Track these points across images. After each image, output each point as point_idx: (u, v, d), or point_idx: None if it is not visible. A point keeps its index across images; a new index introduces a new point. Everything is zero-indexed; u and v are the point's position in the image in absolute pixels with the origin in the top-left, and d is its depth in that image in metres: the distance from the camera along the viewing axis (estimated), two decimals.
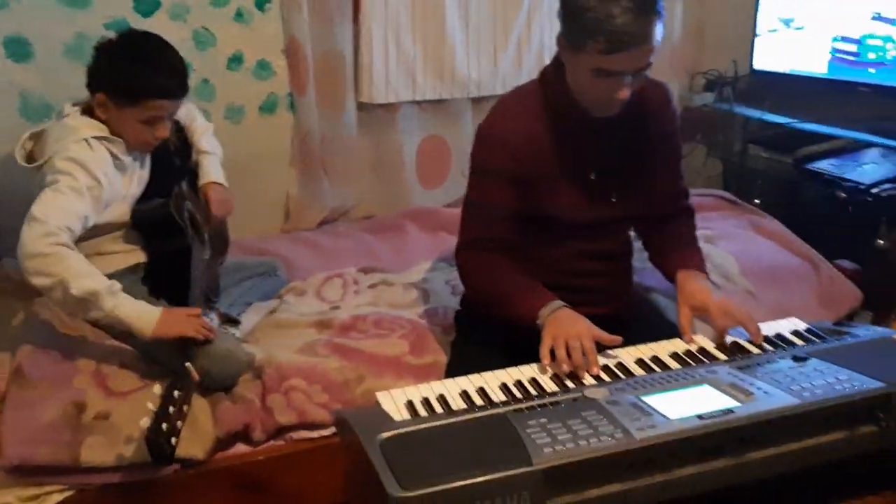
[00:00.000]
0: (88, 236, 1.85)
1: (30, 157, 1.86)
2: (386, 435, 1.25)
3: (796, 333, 1.62)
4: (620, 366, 1.52)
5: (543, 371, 1.51)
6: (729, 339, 1.60)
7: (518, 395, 1.43)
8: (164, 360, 1.84)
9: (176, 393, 1.55)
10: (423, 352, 1.95)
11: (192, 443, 1.68)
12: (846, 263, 2.32)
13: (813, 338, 1.58)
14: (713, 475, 1.21)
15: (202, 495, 1.68)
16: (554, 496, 1.14)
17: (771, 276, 2.25)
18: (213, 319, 2.04)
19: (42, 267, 1.64)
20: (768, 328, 1.65)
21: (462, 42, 2.77)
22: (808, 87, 2.84)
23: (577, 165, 1.72)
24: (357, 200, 2.86)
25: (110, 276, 1.88)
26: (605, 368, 1.51)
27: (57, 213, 1.68)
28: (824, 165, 2.68)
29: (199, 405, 1.76)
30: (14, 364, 1.76)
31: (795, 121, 2.74)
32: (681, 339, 1.64)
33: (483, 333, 1.81)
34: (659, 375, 1.43)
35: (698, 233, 2.41)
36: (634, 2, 1.47)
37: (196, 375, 1.62)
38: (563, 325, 1.57)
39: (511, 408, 1.33)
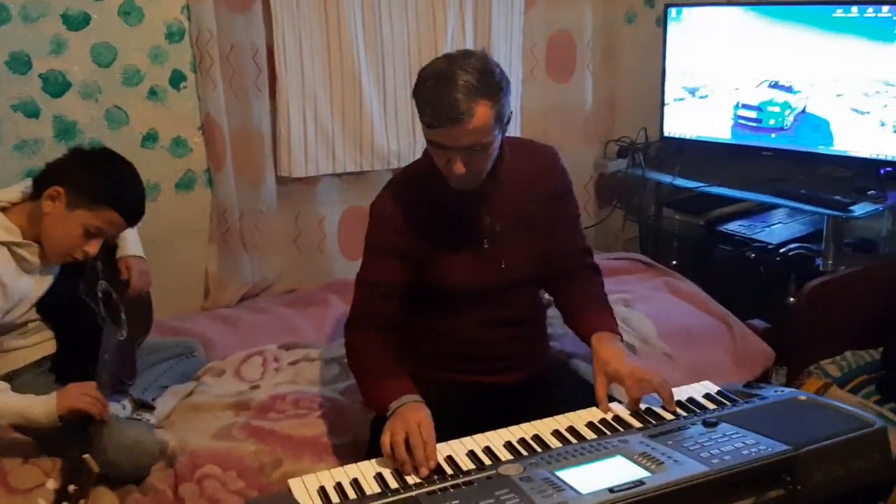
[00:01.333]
0: None
1: None
2: None
3: (708, 397, 1.64)
4: (537, 438, 1.51)
5: (460, 448, 1.49)
6: (643, 405, 1.62)
7: (433, 476, 1.40)
8: (66, 452, 1.75)
9: (71, 488, 1.48)
10: (342, 431, 1.91)
11: None
12: (757, 322, 2.38)
13: (725, 400, 1.61)
14: None
15: None
16: None
17: (687, 337, 2.29)
18: (125, 406, 1.98)
19: None
20: (683, 392, 1.67)
21: (380, 113, 2.80)
22: (715, 152, 2.96)
23: (466, 236, 1.75)
24: (278, 274, 2.82)
25: (15, 372, 1.83)
26: (522, 441, 1.50)
27: None
28: (734, 227, 2.78)
29: (108, 499, 1.69)
30: None
31: (704, 184, 2.84)
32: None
33: None
34: (574, 447, 1.43)
35: (616, 296, 2.49)
36: (465, 84, 1.52)
37: (95, 467, 1.55)
38: (404, 416, 1.54)
39: (424, 490, 1.31)
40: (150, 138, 2.57)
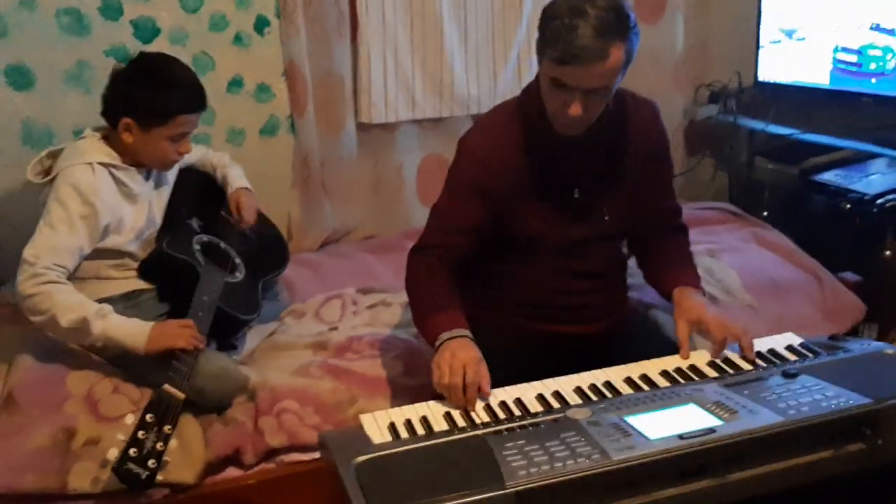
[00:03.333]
0: (88, 259, 1.89)
1: (46, 174, 1.91)
2: (361, 459, 1.24)
3: (790, 348, 1.58)
4: (608, 384, 1.50)
5: (529, 391, 1.49)
6: (722, 354, 1.58)
7: (501, 415, 1.41)
8: (150, 382, 1.84)
9: (149, 417, 1.56)
10: (415, 373, 1.93)
11: (182, 468, 1.68)
12: (850, 276, 2.27)
13: (807, 353, 1.55)
14: (695, 496, 1.19)
15: None
16: None
17: (773, 289, 2.21)
18: (210, 343, 2.06)
19: (32, 306, 1.72)
20: (763, 343, 1.62)
21: (461, 59, 2.77)
22: (812, 98, 2.80)
23: (557, 183, 1.71)
24: (358, 221, 2.86)
25: (105, 301, 1.91)
26: (592, 387, 1.49)
27: (46, 253, 1.74)
28: (829, 177, 2.64)
29: (192, 429, 1.77)
30: (5, 390, 1.77)
31: (799, 132, 2.70)
32: (678, 354, 1.61)
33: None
34: (645, 394, 1.42)
35: (701, 247, 2.43)
36: (601, 21, 1.46)
37: (180, 395, 1.63)
38: (453, 354, 1.52)
39: (491, 430, 1.32)
40: (234, 84, 2.62)
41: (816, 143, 2.71)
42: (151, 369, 1.77)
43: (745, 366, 1.53)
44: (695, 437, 1.21)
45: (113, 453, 1.50)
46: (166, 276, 1.99)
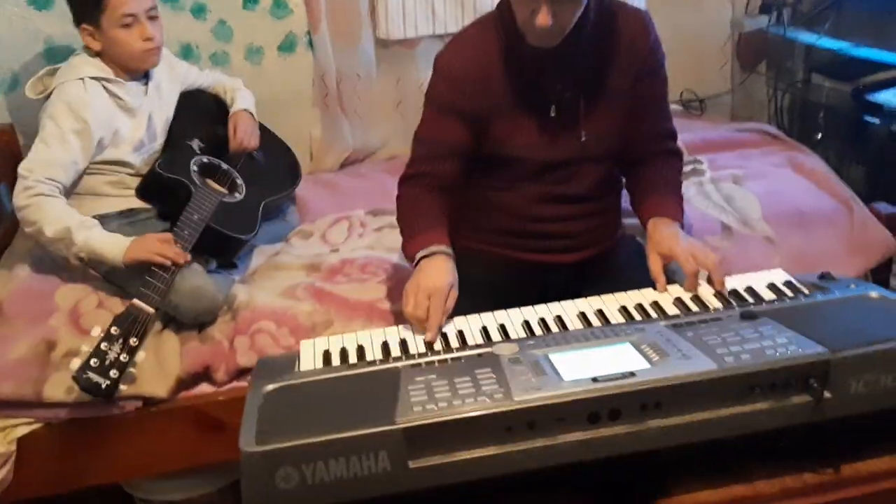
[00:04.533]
0: (86, 175, 1.94)
1: (46, 92, 1.96)
2: (272, 387, 1.23)
3: (772, 286, 1.45)
4: (559, 319, 1.42)
5: (476, 323, 1.44)
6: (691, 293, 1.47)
7: (437, 347, 1.37)
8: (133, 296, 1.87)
9: (114, 329, 1.60)
10: (397, 297, 1.90)
11: (155, 381, 1.73)
12: (883, 206, 2.05)
13: (787, 293, 1.42)
14: (607, 441, 1.11)
15: (163, 433, 1.74)
16: (416, 457, 1.08)
17: (797, 220, 2.03)
18: (208, 261, 2.09)
19: (24, 217, 1.80)
20: (744, 280, 1.50)
21: None
22: (880, 8, 2.50)
23: (536, 100, 1.61)
24: (381, 141, 2.80)
25: (101, 217, 1.96)
26: (542, 321, 1.42)
27: (39, 167, 1.80)
28: (886, 96, 2.37)
29: (170, 344, 1.81)
30: None
31: (861, 46, 2.42)
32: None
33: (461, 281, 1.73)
34: (586, 331, 1.33)
35: (727, 172, 2.26)
36: None
37: (149, 310, 1.66)
38: (419, 281, 1.49)
39: (410, 362, 1.27)
40: (251, 0, 2.58)
41: (880, 60, 2.43)
42: (131, 283, 1.81)
43: (715, 303, 1.42)
44: (610, 380, 1.13)
45: (76, 363, 1.56)
46: (160, 195, 2.02)
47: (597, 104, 1.63)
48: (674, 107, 2.83)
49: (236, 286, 2.02)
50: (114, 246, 1.77)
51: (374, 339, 1.42)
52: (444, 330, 1.43)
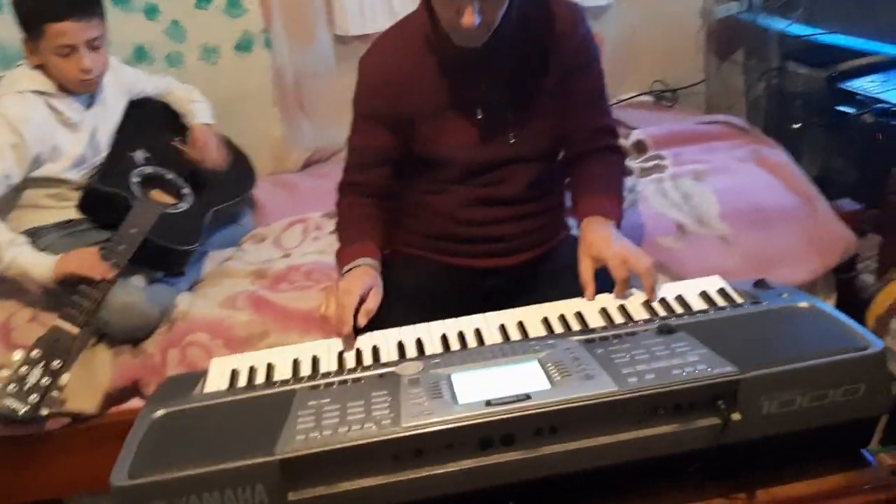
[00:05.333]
0: (25, 188, 1.90)
1: None
2: (161, 412, 1.18)
3: (704, 295, 1.38)
4: (477, 332, 1.36)
5: (394, 338, 1.38)
6: (619, 302, 1.41)
7: (349, 365, 1.32)
8: (109, 323, 1.80)
9: (35, 353, 1.56)
10: None
11: (83, 397, 1.70)
12: (846, 203, 1.97)
13: (720, 301, 1.35)
14: (500, 469, 1.06)
15: (92, 449, 1.70)
16: (297, 489, 1.04)
17: (756, 217, 1.95)
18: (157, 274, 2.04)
19: None
20: (676, 287, 1.43)
21: None
22: None
23: (462, 102, 1.56)
24: (344, 139, 2.73)
25: (40, 229, 1.93)
26: (460, 335, 1.36)
27: None
28: (862, 84, 2.27)
29: (101, 358, 1.78)
30: None
31: (824, 31, 2.33)
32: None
33: (393, 288, 1.68)
34: (499, 347, 1.27)
35: (688, 168, 2.19)
36: None
37: (73, 330, 1.62)
38: (340, 283, 1.49)
39: (309, 384, 1.22)
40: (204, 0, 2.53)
41: (854, 47, 2.33)
42: (66, 298, 1.78)
43: (641, 314, 1.36)
44: (503, 403, 1.07)
45: None
46: (99, 208, 1.98)
47: (526, 104, 1.58)
48: (644, 98, 2.77)
49: (180, 295, 1.97)
50: (42, 265, 1.73)
51: (287, 356, 1.37)
52: (359, 346, 1.38)
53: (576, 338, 1.25)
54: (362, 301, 1.44)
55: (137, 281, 1.90)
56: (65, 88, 1.91)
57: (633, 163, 2.32)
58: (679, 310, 1.35)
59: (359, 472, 1.05)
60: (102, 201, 1.96)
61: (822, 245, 1.88)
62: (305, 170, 2.72)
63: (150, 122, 2.21)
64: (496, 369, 1.18)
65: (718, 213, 1.98)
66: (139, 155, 2.11)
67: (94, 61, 1.86)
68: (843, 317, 1.21)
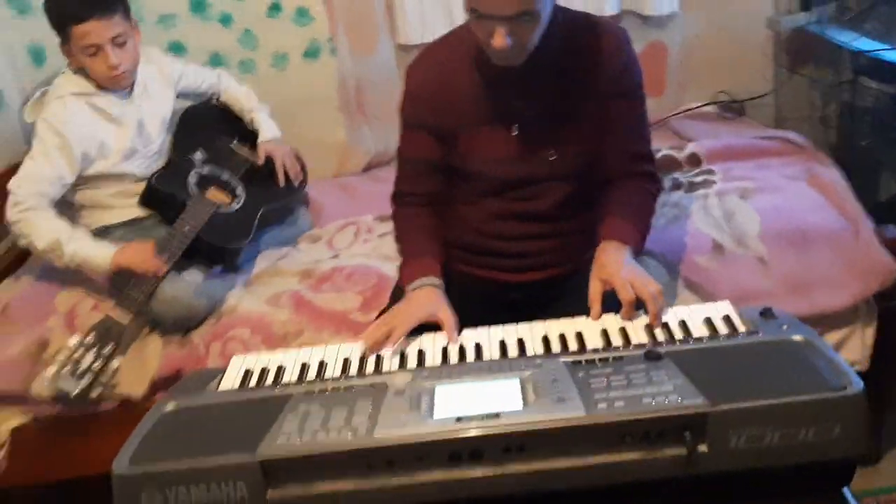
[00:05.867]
0: (86, 187, 2.06)
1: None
2: (171, 406, 1.29)
3: (708, 322, 1.38)
4: (477, 347, 1.41)
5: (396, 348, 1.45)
6: (622, 324, 1.42)
7: (339, 373, 1.38)
8: (159, 313, 1.94)
9: (89, 338, 1.71)
10: (371, 308, 1.94)
11: (132, 383, 1.85)
12: (889, 230, 1.88)
13: (723, 329, 1.34)
14: (466, 484, 1.11)
15: None
16: (276, 487, 1.12)
17: (797, 239, 1.89)
18: (214, 268, 2.18)
19: (17, 231, 1.92)
20: (682, 312, 1.43)
21: None
22: None
23: (499, 117, 1.60)
24: None
25: (111, 227, 2.09)
26: (461, 350, 1.41)
27: (26, 183, 1.91)
28: None
29: (153, 346, 1.92)
30: (4, 301, 2.03)
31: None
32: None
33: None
34: (488, 363, 1.33)
35: (735, 185, 2.15)
36: None
37: (123, 319, 1.77)
38: (404, 307, 1.52)
39: (305, 389, 1.30)
40: (274, 8, 2.65)
41: None
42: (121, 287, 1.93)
43: (641, 337, 1.37)
44: (474, 420, 1.12)
45: (50, 370, 1.69)
46: (157, 206, 2.13)
47: (564, 123, 1.60)
48: (708, 109, 2.72)
49: (232, 291, 2.10)
50: (100, 255, 1.89)
51: (299, 360, 1.45)
52: (356, 355, 1.44)
53: (563, 359, 1.28)
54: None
55: (193, 275, 2.03)
56: (102, 86, 2.03)
57: (683, 176, 2.29)
58: (679, 335, 1.35)
59: (334, 477, 1.12)
60: (161, 200, 2.11)
61: (863, 270, 1.81)
62: (366, 173, 2.81)
63: (207, 123, 2.35)
64: (479, 384, 1.23)
65: (759, 232, 1.93)
66: (198, 156, 2.25)
67: (120, 57, 1.95)
68: (833, 354, 1.19)
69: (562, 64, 1.56)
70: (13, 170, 2.00)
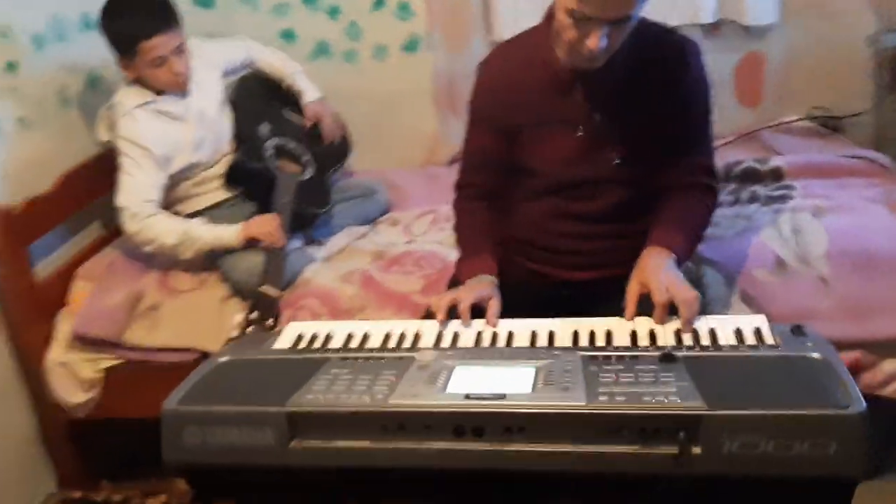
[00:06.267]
0: (170, 185, 2.21)
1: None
2: (225, 358, 1.44)
3: (737, 333, 1.40)
4: (510, 334, 1.49)
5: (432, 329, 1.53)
6: (652, 327, 1.46)
7: (377, 345, 1.48)
8: (239, 282, 2.11)
9: (253, 315, 1.90)
10: (431, 292, 2.04)
11: (212, 340, 2.02)
12: None
13: (749, 341, 1.36)
14: (468, 455, 1.19)
15: None
16: (299, 438, 1.24)
17: (863, 263, 1.85)
18: (297, 239, 2.35)
19: (141, 241, 2.10)
20: (716, 321, 1.45)
21: None
22: None
23: (564, 118, 1.65)
24: None
25: (196, 214, 2.26)
26: (493, 335, 1.49)
27: (131, 196, 2.09)
28: None
29: (233, 310, 2.09)
30: (111, 258, 2.27)
31: None
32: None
33: None
34: (516, 350, 1.41)
35: (809, 202, 2.12)
36: None
37: (272, 293, 1.96)
38: (463, 288, 1.60)
39: (340, 355, 1.42)
40: (379, 2, 2.80)
41: None
42: (236, 271, 2.11)
43: (668, 341, 1.40)
44: (480, 399, 1.20)
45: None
46: (246, 183, 2.29)
47: (629, 129, 1.64)
48: (803, 123, 2.66)
49: (312, 265, 2.24)
50: (228, 232, 2.09)
51: (346, 330, 1.56)
52: (404, 330, 1.53)
53: (582, 353, 1.34)
54: (476, 306, 1.56)
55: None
56: (159, 90, 2.17)
57: (762, 189, 2.27)
58: (705, 342, 1.38)
59: (350, 435, 1.23)
60: (248, 176, 2.27)
61: None
62: (451, 165, 2.90)
63: (258, 95, 2.47)
64: (496, 368, 1.31)
65: (824, 252, 1.90)
66: (264, 129, 2.38)
67: (182, 64, 2.13)
68: (846, 376, 1.19)
69: (631, 70, 1.60)
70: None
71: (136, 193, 2.09)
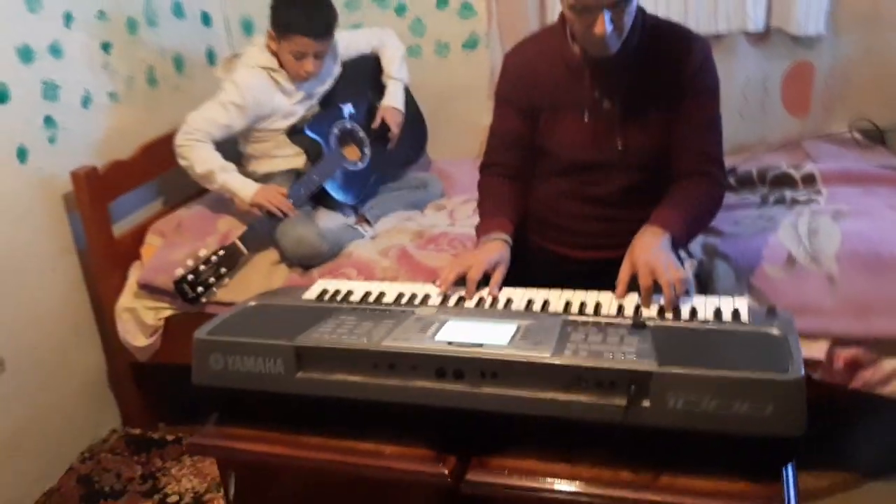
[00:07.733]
0: (258, 140, 2.48)
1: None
2: (254, 303, 1.64)
3: (716, 312, 1.50)
4: (508, 300, 1.62)
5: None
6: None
7: (392, 300, 1.63)
8: (286, 248, 2.33)
9: (213, 257, 2.13)
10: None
11: (237, 292, 2.22)
12: None
13: (725, 318, 1.46)
14: (447, 395, 1.34)
15: None
16: (304, 370, 1.42)
17: (872, 265, 1.90)
18: (349, 216, 2.56)
19: (179, 153, 2.38)
20: (700, 301, 1.55)
21: None
22: None
23: (574, 104, 1.79)
24: None
25: (272, 174, 2.51)
26: (493, 299, 1.63)
27: (199, 120, 2.35)
28: None
29: (279, 273, 2.31)
30: (181, 218, 2.52)
31: None
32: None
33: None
34: (506, 311, 1.55)
35: (832, 206, 2.17)
36: None
37: (242, 249, 2.18)
38: (474, 252, 1.73)
39: (351, 305, 1.60)
40: (443, 2, 2.97)
41: None
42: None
43: (651, 315, 1.52)
44: (461, 346, 1.35)
45: (179, 272, 2.13)
46: (300, 146, 2.50)
47: (634, 117, 1.76)
48: (847, 134, 2.69)
49: (358, 241, 2.45)
50: (244, 189, 2.31)
51: (365, 288, 1.73)
52: (415, 291, 1.68)
53: (563, 316, 1.48)
54: (486, 273, 1.69)
55: (325, 221, 2.42)
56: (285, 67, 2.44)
57: (791, 193, 2.34)
58: (684, 317, 1.49)
59: (347, 370, 1.40)
60: (306, 144, 2.48)
61: None
62: None
63: (363, 78, 2.68)
64: (483, 323, 1.46)
65: (836, 252, 1.96)
66: (347, 109, 2.60)
67: (316, 66, 2.38)
68: (796, 347, 1.29)
69: (640, 63, 1.73)
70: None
71: (205, 122, 2.35)
